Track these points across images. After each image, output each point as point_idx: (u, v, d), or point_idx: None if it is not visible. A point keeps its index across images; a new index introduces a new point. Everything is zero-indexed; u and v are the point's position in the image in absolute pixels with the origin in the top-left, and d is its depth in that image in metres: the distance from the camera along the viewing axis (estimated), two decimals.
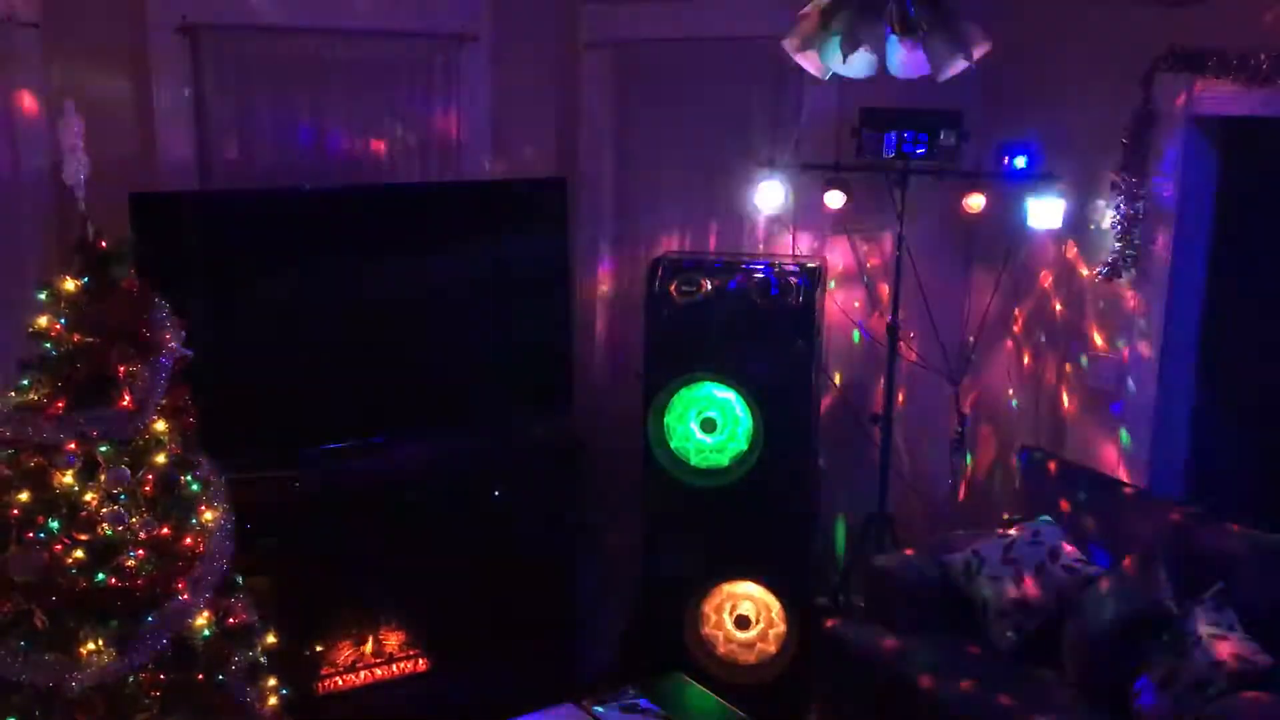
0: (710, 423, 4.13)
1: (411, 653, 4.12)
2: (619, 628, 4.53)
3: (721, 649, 4.27)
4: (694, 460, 4.15)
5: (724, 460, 4.13)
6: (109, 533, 2.68)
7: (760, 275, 4.06)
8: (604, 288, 4.89)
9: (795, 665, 4.15)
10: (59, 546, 2.65)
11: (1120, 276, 3.90)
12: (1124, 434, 3.99)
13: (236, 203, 3.95)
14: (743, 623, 4.24)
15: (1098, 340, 4.07)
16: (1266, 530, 3.38)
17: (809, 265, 4.13)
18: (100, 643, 2.64)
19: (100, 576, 2.67)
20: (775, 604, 4.18)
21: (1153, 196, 3.80)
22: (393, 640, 4.09)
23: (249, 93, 4.14)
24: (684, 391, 4.12)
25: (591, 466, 4.42)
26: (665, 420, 4.14)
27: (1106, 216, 3.92)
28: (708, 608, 4.26)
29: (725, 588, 4.24)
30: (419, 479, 4.02)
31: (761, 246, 4.63)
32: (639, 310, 4.20)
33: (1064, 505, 3.87)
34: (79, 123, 2.76)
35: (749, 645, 4.25)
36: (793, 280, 4.02)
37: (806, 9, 3.26)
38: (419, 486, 4.00)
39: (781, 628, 4.18)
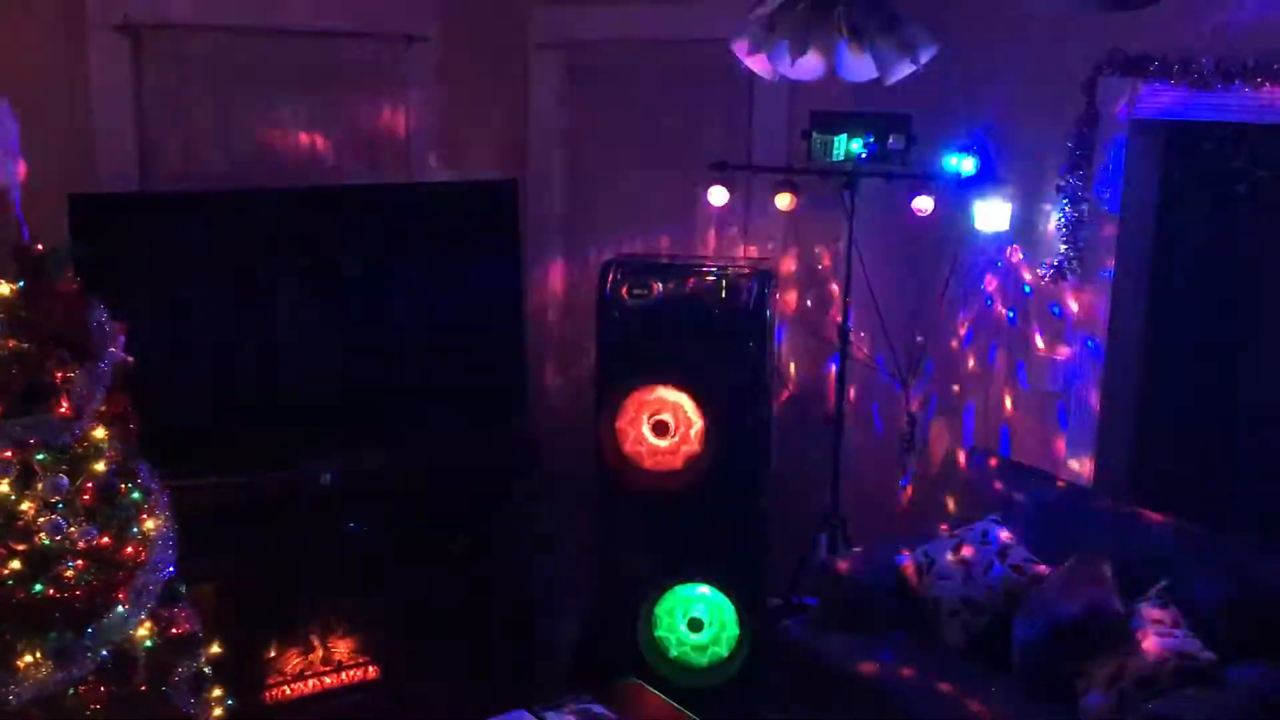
0: (663, 425, 4.12)
1: (361, 660, 4.07)
2: (573, 632, 4.51)
3: (674, 651, 4.26)
4: (647, 463, 4.15)
5: (677, 463, 4.12)
6: (46, 542, 2.62)
7: (712, 278, 4.06)
8: (556, 291, 4.87)
9: (748, 667, 4.16)
10: None
11: (1065, 278, 3.95)
12: (1069, 434, 4.04)
13: (178, 204, 3.89)
14: (696, 625, 4.23)
15: (1043, 341, 4.12)
16: (1210, 528, 3.44)
17: (760, 267, 4.14)
18: (38, 655, 2.58)
19: (38, 587, 2.61)
20: (728, 605, 4.18)
21: (1096, 199, 3.85)
22: (342, 648, 4.04)
23: (192, 93, 4.08)
24: (636, 394, 4.11)
25: (545, 470, 4.40)
26: (617, 424, 4.13)
27: (1052, 219, 3.96)
28: (661, 610, 4.25)
29: (678, 590, 4.23)
30: (368, 484, 3.96)
31: (713, 249, 4.64)
32: (592, 313, 4.19)
33: (1012, 505, 3.90)
34: (14, 123, 2.70)
35: (702, 648, 4.24)
36: (744, 282, 4.03)
37: (756, 12, 3.27)
38: (368, 491, 3.95)
39: (734, 629, 4.18)
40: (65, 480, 2.65)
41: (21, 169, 2.70)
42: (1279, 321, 3.66)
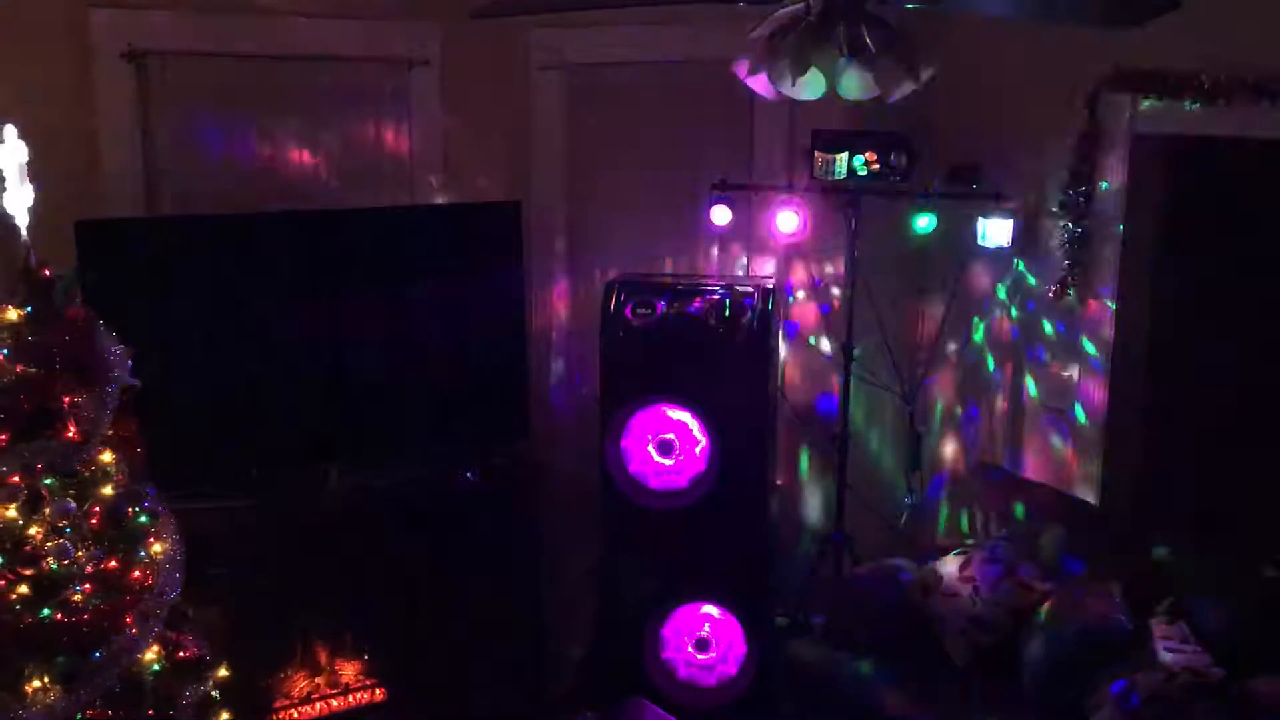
0: (667, 445, 4.12)
1: (368, 682, 4.06)
2: (579, 653, 4.50)
3: (682, 672, 4.25)
4: (652, 483, 4.14)
5: (682, 482, 4.12)
6: (54, 567, 2.62)
7: (716, 297, 4.06)
8: (560, 311, 4.88)
9: (756, 686, 4.14)
10: (2, 582, 2.59)
11: (1069, 294, 3.95)
12: (1077, 450, 4.03)
13: (184, 229, 3.91)
14: (703, 645, 4.22)
15: (1049, 358, 4.11)
16: (1217, 543, 3.43)
17: (764, 286, 4.15)
18: (46, 680, 2.57)
19: (45, 612, 2.61)
20: (735, 625, 4.17)
21: (1099, 215, 3.85)
22: (349, 670, 4.03)
23: (197, 119, 4.11)
24: (641, 414, 4.11)
25: (549, 491, 4.40)
26: (622, 443, 4.13)
27: (1055, 235, 3.97)
28: (667, 631, 4.24)
29: (685, 610, 4.22)
30: (374, 506, 3.97)
31: (716, 268, 4.65)
32: (595, 333, 4.19)
33: (1018, 521, 3.89)
34: (22, 149, 2.71)
35: (709, 667, 4.23)
36: (748, 301, 4.03)
37: (756, 32, 3.28)
38: (374, 513, 3.95)
39: (741, 649, 4.17)
40: (73, 504, 2.65)
41: (30, 195, 2.71)
42: None
